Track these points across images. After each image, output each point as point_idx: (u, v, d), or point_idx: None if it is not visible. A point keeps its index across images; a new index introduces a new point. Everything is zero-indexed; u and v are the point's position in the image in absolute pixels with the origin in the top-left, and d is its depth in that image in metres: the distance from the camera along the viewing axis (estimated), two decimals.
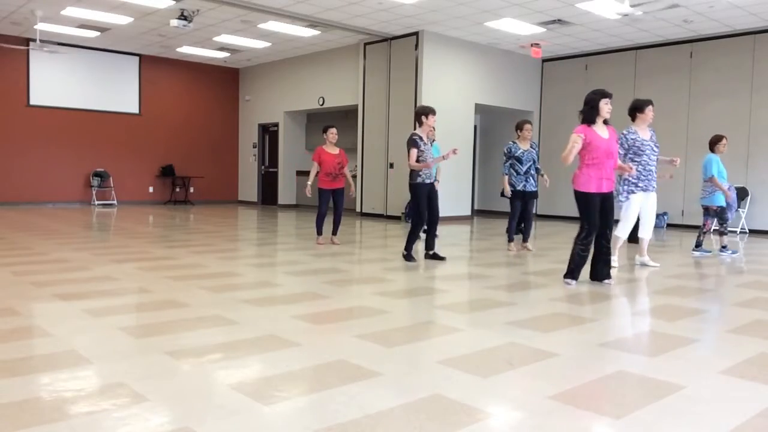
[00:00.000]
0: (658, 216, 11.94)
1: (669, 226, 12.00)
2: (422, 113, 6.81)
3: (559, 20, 10.82)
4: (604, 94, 5.40)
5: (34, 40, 12.80)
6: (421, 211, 6.88)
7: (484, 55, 13.10)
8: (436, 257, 7.04)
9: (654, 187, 6.62)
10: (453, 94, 12.52)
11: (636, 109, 6.56)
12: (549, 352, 3.43)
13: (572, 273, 5.57)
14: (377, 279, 5.71)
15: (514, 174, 7.79)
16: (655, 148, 6.61)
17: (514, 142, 7.83)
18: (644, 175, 6.53)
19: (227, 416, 2.45)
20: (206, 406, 2.55)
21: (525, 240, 8.06)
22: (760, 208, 11.14)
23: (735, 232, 11.11)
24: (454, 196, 12.72)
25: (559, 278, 5.91)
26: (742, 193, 11.15)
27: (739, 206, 11.05)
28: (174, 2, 10.52)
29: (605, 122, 5.48)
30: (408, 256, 6.88)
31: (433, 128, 7.09)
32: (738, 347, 3.64)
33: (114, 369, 2.99)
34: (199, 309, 4.30)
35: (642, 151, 6.50)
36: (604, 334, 3.88)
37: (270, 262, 6.72)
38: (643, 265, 6.85)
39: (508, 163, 7.81)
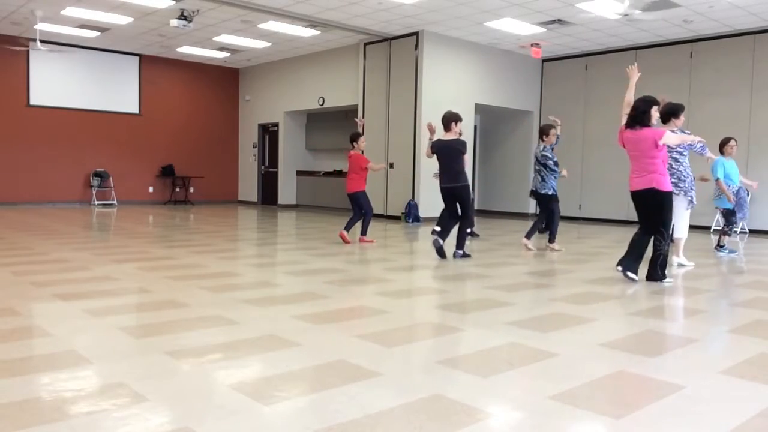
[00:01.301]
0: None
1: None
2: (456, 119, 7.12)
3: (559, 20, 10.82)
4: (655, 102, 5.58)
5: (34, 40, 12.79)
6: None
7: (484, 55, 13.09)
8: (466, 255, 7.25)
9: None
10: (453, 94, 12.52)
11: (672, 113, 6.50)
12: (549, 352, 3.43)
13: (665, 270, 5.74)
14: (377, 279, 5.71)
15: (553, 178, 7.89)
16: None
17: (545, 147, 7.91)
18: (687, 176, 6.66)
19: (227, 416, 2.45)
20: (206, 406, 2.55)
21: (528, 236, 8.16)
22: (760, 208, 11.14)
23: (735, 232, 11.10)
24: None
25: (559, 278, 5.91)
26: (741, 193, 11.12)
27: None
28: (174, 2, 10.52)
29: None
30: (465, 254, 7.17)
31: (457, 132, 7.29)
32: (738, 347, 3.64)
33: (114, 369, 2.99)
34: (199, 309, 4.30)
35: (686, 152, 6.55)
36: (604, 334, 3.88)
37: (270, 262, 6.72)
38: (680, 265, 6.81)
39: (551, 164, 7.87)
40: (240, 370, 3.03)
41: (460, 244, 7.18)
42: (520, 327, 3.98)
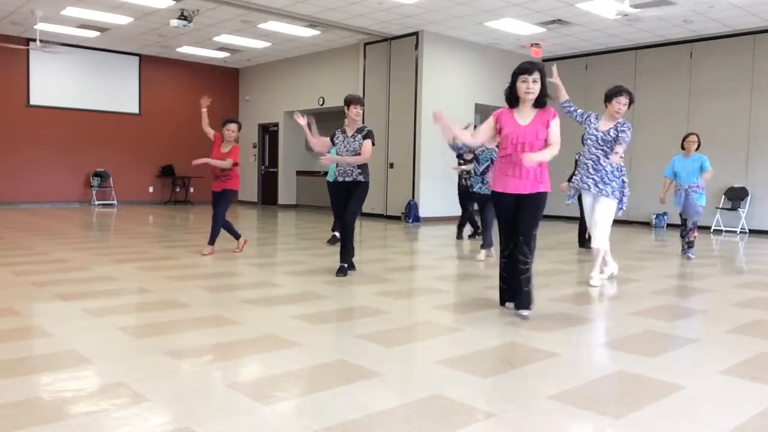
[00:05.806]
0: (657, 216, 11.98)
1: (669, 226, 12.00)
2: (344, 102, 5.82)
3: (559, 20, 10.81)
4: (524, 69, 4.07)
5: (34, 40, 12.79)
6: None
7: (484, 55, 13.09)
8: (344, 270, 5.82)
9: (589, 186, 5.54)
10: (453, 94, 12.52)
11: (605, 97, 5.90)
12: (549, 352, 3.43)
13: (529, 299, 4.26)
14: (377, 279, 5.71)
15: (472, 174, 7.20)
16: (600, 143, 5.65)
17: None
18: (580, 171, 5.68)
19: (227, 416, 2.45)
20: (206, 406, 2.55)
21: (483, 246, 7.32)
22: (760, 208, 11.13)
23: (735, 232, 11.11)
24: (453, 196, 12.70)
25: (558, 278, 5.91)
26: (741, 194, 11.14)
27: (738, 207, 11.05)
28: (174, 2, 10.52)
29: (543, 105, 4.21)
30: (342, 269, 5.73)
31: (355, 120, 5.78)
32: (738, 347, 3.64)
33: (114, 369, 2.99)
34: (199, 309, 4.30)
35: (583, 142, 5.75)
36: (604, 334, 3.88)
37: (270, 262, 6.72)
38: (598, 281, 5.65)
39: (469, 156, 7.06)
40: (240, 370, 3.03)
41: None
42: (520, 327, 3.98)
